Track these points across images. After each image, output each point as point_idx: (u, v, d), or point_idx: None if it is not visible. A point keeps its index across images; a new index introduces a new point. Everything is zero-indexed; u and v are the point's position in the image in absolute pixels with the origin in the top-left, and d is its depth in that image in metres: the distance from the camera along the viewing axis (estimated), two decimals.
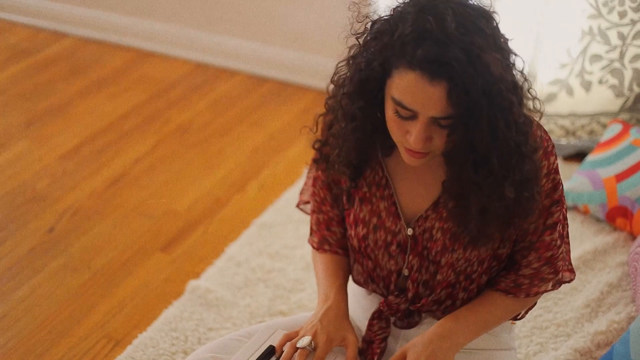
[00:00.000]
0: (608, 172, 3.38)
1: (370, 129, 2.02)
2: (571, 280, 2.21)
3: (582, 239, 3.33)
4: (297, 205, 2.48)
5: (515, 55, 1.88)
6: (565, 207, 2.09)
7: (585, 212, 3.44)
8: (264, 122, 4.40)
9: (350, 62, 1.98)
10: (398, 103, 1.84)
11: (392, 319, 2.22)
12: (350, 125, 2.03)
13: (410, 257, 2.12)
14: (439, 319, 2.19)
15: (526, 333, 2.92)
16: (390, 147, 2.08)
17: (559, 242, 2.08)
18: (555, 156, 2.03)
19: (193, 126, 4.38)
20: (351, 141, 2.05)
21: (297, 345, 2.06)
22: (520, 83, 1.87)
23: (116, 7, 5.12)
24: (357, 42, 1.97)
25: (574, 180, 3.48)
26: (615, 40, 3.71)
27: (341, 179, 2.18)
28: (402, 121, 1.88)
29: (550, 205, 2.03)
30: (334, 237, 2.31)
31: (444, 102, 1.79)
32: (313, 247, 2.37)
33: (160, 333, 2.96)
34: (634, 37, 3.69)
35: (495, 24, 1.85)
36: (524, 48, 3.81)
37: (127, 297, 3.22)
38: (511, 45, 1.89)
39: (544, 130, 2.01)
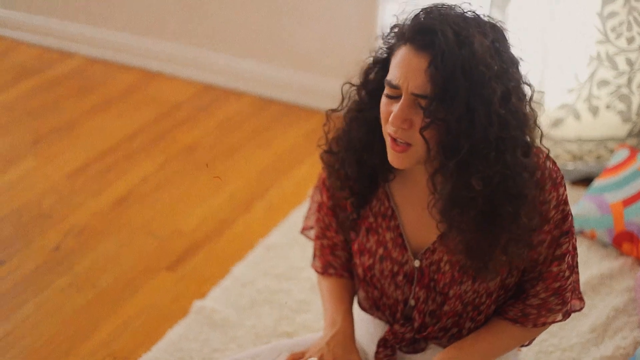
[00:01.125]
0: (615, 197, 3.38)
1: (370, 140, 2.05)
2: (581, 308, 2.20)
3: (589, 263, 3.32)
4: (301, 232, 2.48)
5: (519, 68, 1.90)
6: (574, 237, 2.08)
7: (592, 237, 3.44)
8: (271, 143, 4.41)
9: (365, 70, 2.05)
10: (387, 82, 1.90)
11: (397, 346, 2.22)
12: (352, 131, 2.06)
13: (417, 289, 2.11)
14: (444, 346, 2.18)
15: (532, 358, 2.91)
16: (388, 170, 2.09)
17: (567, 273, 2.07)
18: (565, 187, 2.02)
19: (200, 146, 4.39)
20: (351, 153, 2.08)
21: None
22: (516, 83, 1.89)
23: (124, 27, 5.14)
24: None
25: (580, 205, 3.47)
26: (623, 65, 3.71)
27: (346, 205, 2.19)
28: (389, 103, 1.91)
29: (560, 236, 2.02)
30: (339, 262, 2.31)
31: (424, 75, 1.82)
32: (317, 272, 2.37)
33: (164, 353, 2.95)
34: None
35: (501, 34, 1.88)
36: (531, 73, 3.81)
37: (132, 316, 3.22)
38: (521, 64, 1.91)
39: (553, 162, 2.00)
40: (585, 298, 3.13)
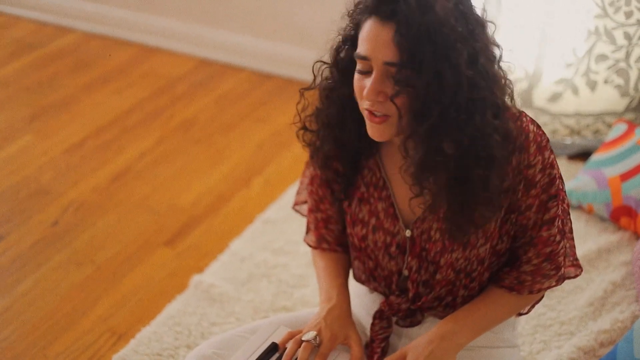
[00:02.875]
0: (613, 171, 3.38)
1: (343, 118, 2.07)
2: (576, 275, 2.20)
3: (586, 238, 3.33)
4: (293, 207, 2.48)
5: (485, 29, 1.91)
6: (566, 202, 2.07)
7: (590, 212, 3.44)
8: (269, 118, 4.40)
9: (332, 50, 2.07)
10: (357, 55, 1.91)
11: (394, 319, 2.22)
12: (326, 109, 2.10)
13: (409, 259, 2.12)
14: (440, 316, 2.19)
15: (529, 331, 2.92)
16: (369, 145, 2.10)
17: (558, 237, 2.06)
18: (551, 151, 2.01)
19: (198, 122, 4.38)
20: (328, 132, 2.11)
21: (302, 339, 2.06)
22: (483, 44, 1.89)
23: (121, 2, 5.13)
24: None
25: (578, 180, 3.48)
26: (621, 40, 3.70)
27: (334, 179, 2.19)
28: (361, 78, 1.92)
29: (548, 200, 2.01)
30: (332, 235, 2.31)
31: (392, 44, 1.83)
32: (310, 246, 2.37)
33: (163, 327, 2.96)
34: None
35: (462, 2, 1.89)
36: (529, 47, 3.81)
37: (131, 291, 3.23)
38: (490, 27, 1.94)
39: (537, 125, 2.00)
40: (583, 273, 3.14)
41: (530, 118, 1.99)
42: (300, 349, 2.05)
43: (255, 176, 3.92)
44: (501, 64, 1.95)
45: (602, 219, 3.44)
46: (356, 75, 1.94)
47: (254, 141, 4.21)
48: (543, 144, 1.98)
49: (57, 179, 3.89)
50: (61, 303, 3.17)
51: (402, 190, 2.09)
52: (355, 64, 1.94)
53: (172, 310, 3.04)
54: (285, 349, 2.10)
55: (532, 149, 1.96)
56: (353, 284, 2.35)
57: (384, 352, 2.20)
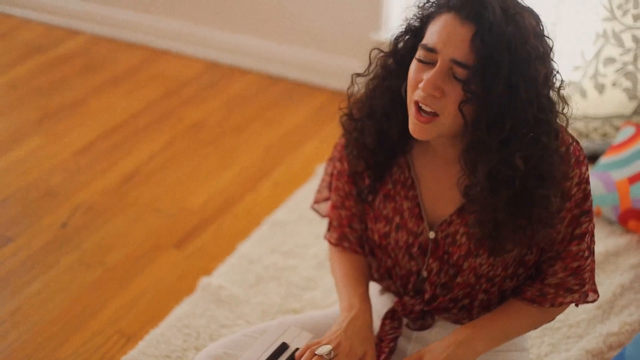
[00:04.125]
0: (621, 174, 3.38)
1: (392, 110, 2.05)
2: (594, 300, 2.19)
3: (595, 241, 3.32)
4: (312, 206, 2.46)
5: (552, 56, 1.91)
6: (593, 222, 2.07)
7: (598, 214, 3.44)
8: (278, 121, 4.41)
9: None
10: (423, 45, 1.89)
11: (405, 321, 2.22)
12: (374, 98, 2.08)
13: (430, 261, 2.11)
14: (453, 320, 2.19)
15: (538, 334, 2.92)
16: (407, 142, 2.10)
17: (586, 253, 2.06)
18: (587, 167, 2.01)
19: (207, 124, 4.39)
20: (372, 122, 2.09)
21: (316, 353, 2.03)
22: (552, 69, 1.90)
23: (130, 4, 5.14)
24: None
25: None
26: (629, 43, 3.70)
27: (364, 172, 2.19)
28: (421, 68, 1.90)
29: (580, 215, 2.02)
30: (355, 235, 2.29)
31: (468, 44, 1.82)
32: (330, 243, 2.34)
33: (172, 329, 2.96)
34: None
35: (540, 19, 1.91)
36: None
37: (140, 293, 3.23)
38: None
39: (577, 141, 2.00)
40: None
41: (570, 134, 2.00)
42: None
43: (264, 179, 3.93)
44: (561, 90, 1.96)
45: (610, 222, 3.44)
46: (414, 65, 1.92)
47: (263, 144, 4.21)
48: (581, 158, 1.98)
49: (67, 181, 3.90)
50: (71, 305, 3.18)
51: (429, 191, 2.09)
52: (412, 56, 1.93)
53: (181, 312, 3.04)
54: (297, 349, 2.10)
55: (572, 161, 1.96)
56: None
57: (392, 352, 2.20)
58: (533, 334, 2.90)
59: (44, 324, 3.09)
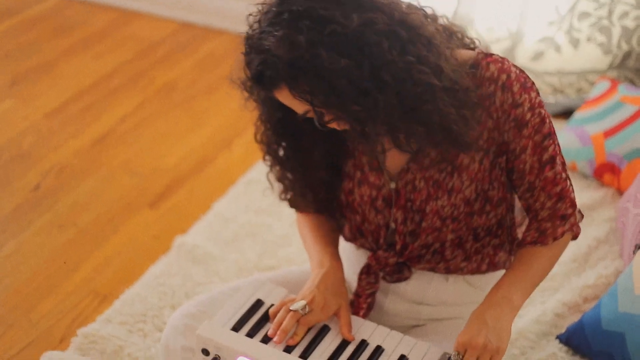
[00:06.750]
0: (596, 128, 3.38)
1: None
2: (580, 218, 2.16)
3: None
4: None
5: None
6: (558, 142, 2.04)
7: (573, 169, 3.44)
8: None
9: None
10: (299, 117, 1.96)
11: (381, 274, 2.21)
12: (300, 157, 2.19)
13: (395, 210, 2.11)
14: (429, 268, 2.17)
15: None
16: (341, 150, 2.16)
17: (564, 174, 2.04)
18: (538, 93, 1.99)
19: (179, 85, 4.37)
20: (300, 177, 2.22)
21: (290, 308, 2.03)
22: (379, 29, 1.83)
23: None
24: None
25: (561, 137, 3.47)
26: None
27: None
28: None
29: (543, 140, 1.99)
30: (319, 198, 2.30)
31: (295, 101, 1.87)
32: (297, 210, 2.36)
33: (147, 288, 2.95)
34: None
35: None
36: (512, 6, 3.79)
37: (114, 254, 3.22)
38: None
39: (521, 70, 1.99)
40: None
41: (513, 64, 1.99)
42: (287, 318, 2.02)
43: (238, 138, 3.91)
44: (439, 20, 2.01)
45: (585, 176, 3.44)
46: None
47: (236, 103, 4.17)
48: (528, 85, 1.97)
49: (39, 143, 3.87)
50: (44, 266, 3.16)
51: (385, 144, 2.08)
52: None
53: (156, 271, 3.03)
54: (272, 305, 2.09)
55: (516, 87, 1.95)
56: (340, 243, 2.34)
57: (370, 308, 2.20)
58: None
59: (17, 287, 3.06)
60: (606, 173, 3.33)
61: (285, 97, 1.87)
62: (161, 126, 4.02)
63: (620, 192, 3.32)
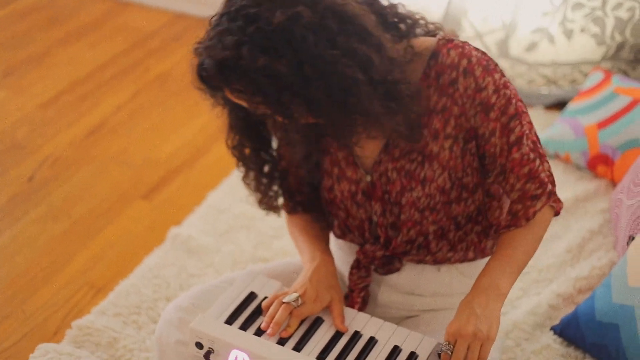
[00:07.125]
0: (589, 119, 3.38)
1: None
2: (561, 209, 2.15)
3: (564, 186, 3.33)
4: None
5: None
6: (528, 120, 2.03)
7: (567, 160, 3.44)
8: None
9: None
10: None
11: (372, 267, 2.22)
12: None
13: (373, 203, 2.12)
14: (417, 260, 2.18)
15: None
16: (319, 147, 2.18)
17: (532, 155, 2.01)
18: (502, 74, 1.99)
19: (173, 75, 4.36)
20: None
21: (283, 301, 2.04)
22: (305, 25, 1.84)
23: None
24: None
25: (555, 128, 3.48)
26: None
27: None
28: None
29: (509, 121, 1.98)
30: (306, 198, 2.32)
31: (245, 101, 1.90)
32: (286, 212, 2.37)
33: (142, 280, 2.95)
34: None
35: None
36: None
37: (109, 245, 3.22)
38: None
39: (483, 52, 1.99)
40: (560, 219, 3.16)
41: (475, 47, 1.99)
42: (280, 310, 2.03)
43: None
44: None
45: (579, 168, 3.44)
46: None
47: None
48: (491, 67, 1.97)
49: (32, 134, 3.87)
50: (38, 258, 3.16)
51: (357, 138, 2.08)
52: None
53: (151, 263, 3.03)
54: (265, 298, 2.10)
55: (478, 71, 1.95)
56: (332, 239, 2.34)
57: (365, 302, 2.21)
58: None
59: (11, 278, 3.06)
60: (600, 164, 3.34)
61: (232, 97, 1.91)
62: (155, 117, 4.02)
63: (614, 183, 3.33)
